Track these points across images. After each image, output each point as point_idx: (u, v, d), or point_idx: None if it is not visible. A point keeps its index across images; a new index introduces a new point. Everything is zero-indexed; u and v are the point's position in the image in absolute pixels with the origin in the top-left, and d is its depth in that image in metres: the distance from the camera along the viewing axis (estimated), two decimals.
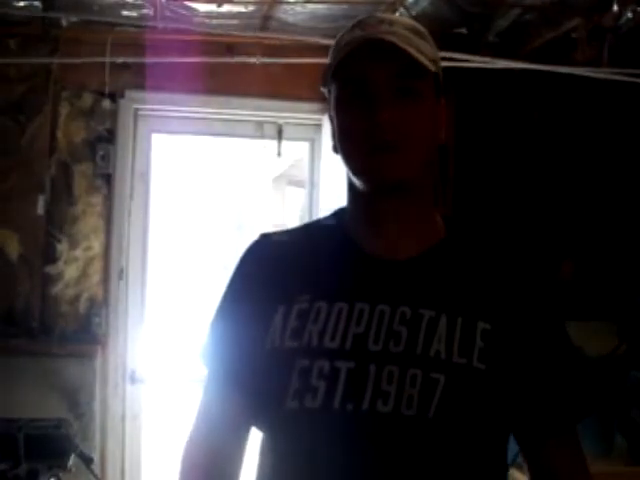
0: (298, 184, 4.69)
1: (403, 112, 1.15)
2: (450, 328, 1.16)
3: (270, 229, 1.40)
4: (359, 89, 1.16)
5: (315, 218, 1.39)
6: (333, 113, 1.21)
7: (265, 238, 1.33)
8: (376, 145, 1.15)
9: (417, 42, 1.17)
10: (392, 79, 1.15)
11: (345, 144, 1.20)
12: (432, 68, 1.17)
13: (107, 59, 3.53)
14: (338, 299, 1.19)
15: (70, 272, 3.56)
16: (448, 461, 1.14)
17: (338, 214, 1.31)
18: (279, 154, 3.90)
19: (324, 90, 1.24)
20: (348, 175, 1.23)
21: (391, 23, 1.18)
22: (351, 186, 1.24)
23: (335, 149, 1.24)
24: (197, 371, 1.32)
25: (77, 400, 3.41)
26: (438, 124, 1.22)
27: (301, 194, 4.43)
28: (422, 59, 1.15)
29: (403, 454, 1.13)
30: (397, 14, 3.27)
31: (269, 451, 1.21)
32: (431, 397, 1.12)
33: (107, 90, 3.57)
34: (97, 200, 3.60)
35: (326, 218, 1.34)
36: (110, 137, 3.60)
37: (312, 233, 1.33)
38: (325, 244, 1.27)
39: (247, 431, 1.26)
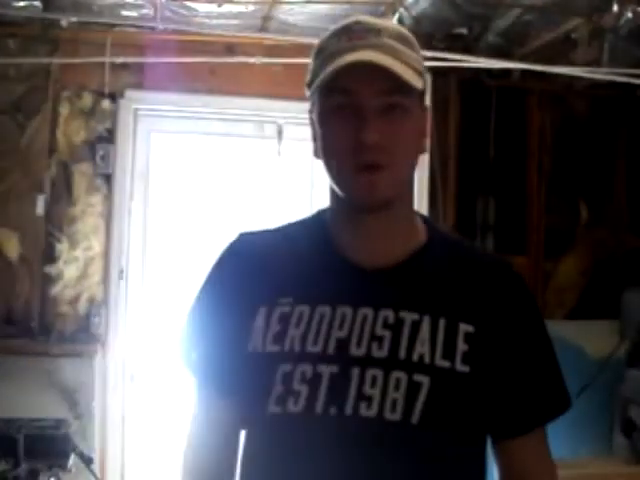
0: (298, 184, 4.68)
1: (390, 130, 1.13)
2: (433, 331, 1.16)
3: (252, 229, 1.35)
4: (346, 104, 1.13)
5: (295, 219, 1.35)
6: (317, 121, 1.19)
7: (245, 237, 1.30)
8: (362, 165, 1.13)
9: (405, 54, 1.14)
10: (380, 96, 1.12)
11: (330, 159, 1.18)
12: (420, 85, 1.15)
13: (107, 59, 3.53)
14: (320, 303, 1.18)
15: (70, 272, 3.56)
16: (431, 465, 1.14)
17: (320, 215, 1.30)
18: (279, 154, 3.90)
19: (307, 92, 1.21)
20: (331, 183, 1.21)
21: (378, 32, 1.14)
22: (334, 192, 1.23)
23: (316, 154, 1.22)
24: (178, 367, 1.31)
25: (77, 400, 3.40)
26: (423, 135, 1.21)
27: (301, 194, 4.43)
28: (410, 79, 1.12)
29: (387, 458, 1.12)
30: (397, 15, 3.27)
31: (252, 454, 1.20)
32: (415, 401, 1.12)
33: (107, 90, 3.57)
34: (97, 200, 3.60)
35: (307, 219, 1.32)
36: (110, 137, 3.60)
37: (294, 234, 1.30)
38: (307, 246, 1.25)
39: (237, 436, 1.25)
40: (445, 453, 1.14)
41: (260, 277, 1.22)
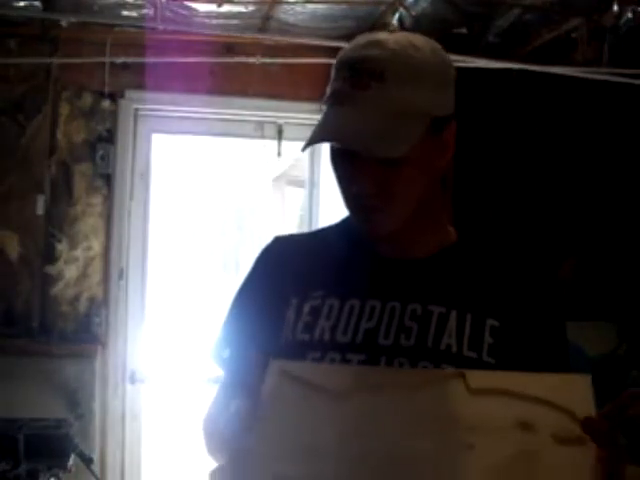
0: (298, 184, 4.69)
1: (385, 176, 1.15)
2: (460, 324, 1.18)
3: (271, 229, 1.41)
4: (343, 151, 1.17)
5: (316, 218, 1.42)
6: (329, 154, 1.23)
7: (279, 239, 1.36)
8: (360, 207, 1.19)
9: (406, 99, 1.12)
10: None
11: (340, 193, 1.23)
12: (403, 149, 1.12)
13: (107, 59, 3.53)
14: (350, 296, 1.21)
15: (70, 272, 3.56)
16: None
17: (349, 219, 1.32)
18: (279, 154, 3.90)
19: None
20: None
21: (381, 74, 1.12)
22: None
23: None
24: (202, 371, 1.34)
25: (77, 400, 3.41)
26: (436, 161, 1.20)
27: (301, 194, 4.43)
28: (391, 151, 1.11)
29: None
30: (397, 15, 3.27)
31: None
32: None
33: (107, 90, 3.57)
34: (97, 200, 3.60)
35: (338, 222, 1.36)
36: (110, 137, 3.60)
37: (325, 235, 1.36)
38: (337, 245, 1.30)
39: None
40: None
41: (292, 274, 1.27)
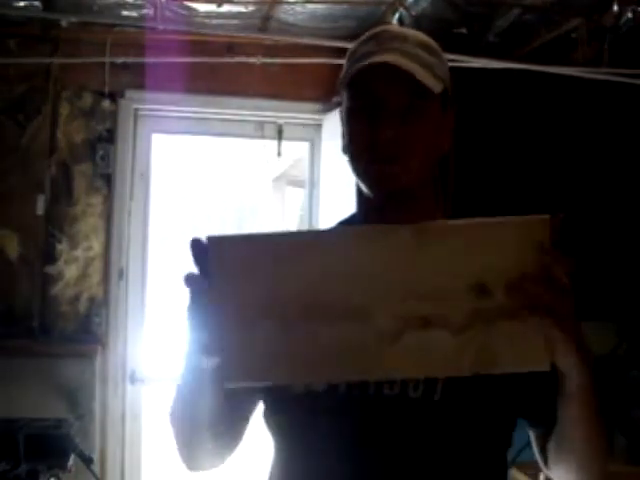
0: (298, 184, 4.69)
1: (406, 130, 1.19)
2: None
3: (271, 229, 1.43)
4: (368, 103, 1.20)
5: (316, 218, 1.45)
6: (344, 119, 1.26)
7: None
8: (377, 157, 1.20)
9: (428, 60, 1.21)
10: (399, 98, 1.19)
11: (351, 150, 1.25)
12: (438, 89, 1.20)
13: (107, 59, 3.53)
14: None
15: (70, 272, 3.56)
16: (453, 443, 1.18)
17: (346, 220, 1.38)
18: (279, 154, 3.90)
19: (340, 94, 1.29)
20: (357, 180, 1.29)
21: (404, 39, 1.22)
22: (359, 190, 1.30)
23: (344, 150, 1.29)
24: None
25: (77, 400, 3.40)
26: (441, 137, 1.26)
27: (301, 194, 4.43)
28: (429, 81, 1.18)
29: (410, 436, 1.17)
30: (397, 15, 3.27)
31: (278, 438, 1.27)
32: (436, 380, 1.18)
33: (107, 90, 3.57)
34: (97, 200, 3.60)
35: (335, 225, 1.39)
36: (110, 137, 3.60)
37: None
38: None
39: (247, 421, 1.34)
40: (466, 432, 1.19)
41: None
